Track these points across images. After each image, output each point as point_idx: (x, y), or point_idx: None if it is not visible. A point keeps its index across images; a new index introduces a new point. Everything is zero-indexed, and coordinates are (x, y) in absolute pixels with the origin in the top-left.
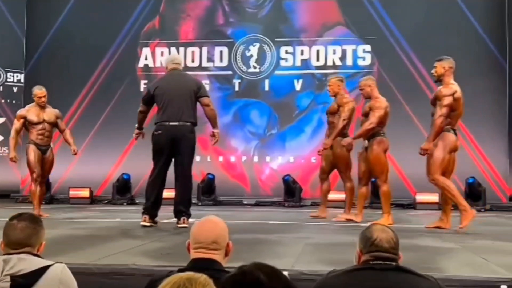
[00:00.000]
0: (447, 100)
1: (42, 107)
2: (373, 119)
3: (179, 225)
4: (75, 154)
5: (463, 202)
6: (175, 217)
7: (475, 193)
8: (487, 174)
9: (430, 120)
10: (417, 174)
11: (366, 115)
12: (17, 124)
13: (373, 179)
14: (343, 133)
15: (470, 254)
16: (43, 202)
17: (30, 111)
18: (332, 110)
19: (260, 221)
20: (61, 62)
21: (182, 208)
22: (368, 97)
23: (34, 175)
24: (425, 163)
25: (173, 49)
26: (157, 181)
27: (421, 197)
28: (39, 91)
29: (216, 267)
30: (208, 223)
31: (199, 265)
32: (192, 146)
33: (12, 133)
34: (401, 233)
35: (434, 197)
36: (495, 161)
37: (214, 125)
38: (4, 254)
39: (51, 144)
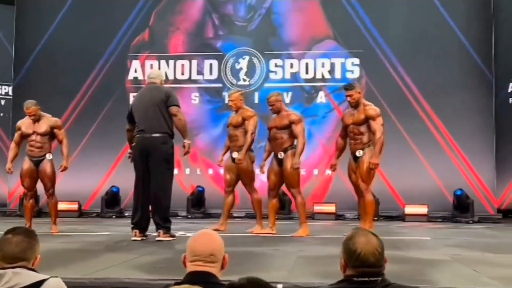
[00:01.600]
0: (381, 119)
1: (34, 119)
2: (301, 136)
3: (156, 239)
4: (63, 170)
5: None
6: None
7: (463, 205)
8: (474, 186)
9: (372, 138)
10: (406, 186)
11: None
12: (15, 135)
13: None
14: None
15: (461, 266)
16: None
17: (24, 123)
18: (235, 124)
19: (251, 234)
20: (50, 75)
21: (157, 221)
22: (278, 112)
23: (23, 188)
24: (357, 173)
25: (162, 62)
26: (138, 195)
27: (409, 209)
28: (26, 110)
29: (213, 280)
30: (205, 236)
31: (196, 278)
32: (165, 157)
33: (11, 144)
34: (391, 245)
35: (423, 209)
36: (483, 173)
37: (183, 135)
38: None
39: (48, 156)
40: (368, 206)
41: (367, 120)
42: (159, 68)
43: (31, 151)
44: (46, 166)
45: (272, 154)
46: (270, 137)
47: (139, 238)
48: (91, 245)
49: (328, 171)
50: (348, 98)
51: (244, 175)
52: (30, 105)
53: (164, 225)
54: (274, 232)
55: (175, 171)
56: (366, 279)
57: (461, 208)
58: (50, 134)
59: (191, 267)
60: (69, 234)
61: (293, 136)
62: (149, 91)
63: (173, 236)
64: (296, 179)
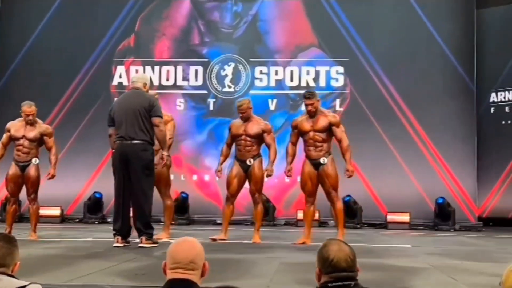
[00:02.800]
0: (342, 127)
1: (27, 123)
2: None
3: (138, 245)
4: (49, 178)
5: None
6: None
7: (444, 213)
8: (456, 194)
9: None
10: (388, 194)
11: None
12: (4, 136)
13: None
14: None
15: (439, 274)
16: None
17: (14, 125)
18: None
19: (234, 240)
20: (35, 79)
21: (139, 227)
22: (247, 119)
23: (8, 193)
24: (327, 181)
25: (148, 68)
26: (119, 201)
27: (392, 217)
28: (27, 108)
29: None
30: (186, 243)
31: (176, 285)
32: (145, 164)
33: None
34: (372, 253)
35: (405, 217)
36: (464, 181)
37: (162, 147)
38: None
39: (33, 160)
40: (340, 213)
41: (329, 127)
42: (144, 73)
43: (17, 156)
44: (31, 171)
45: (233, 160)
46: (238, 144)
47: (121, 245)
48: (72, 251)
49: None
50: (309, 107)
51: (161, 180)
52: (31, 104)
53: (146, 231)
54: (226, 238)
55: None
56: (340, 283)
57: (442, 216)
58: (39, 141)
59: (171, 275)
60: (50, 240)
61: (260, 144)
62: (131, 96)
63: (155, 242)
64: (262, 186)
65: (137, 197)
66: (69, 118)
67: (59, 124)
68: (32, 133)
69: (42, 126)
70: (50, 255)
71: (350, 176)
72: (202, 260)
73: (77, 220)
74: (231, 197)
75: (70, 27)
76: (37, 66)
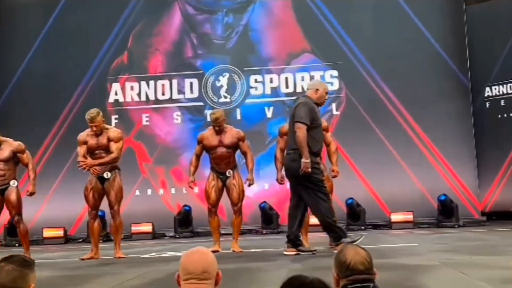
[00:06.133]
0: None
1: None
2: (251, 152)
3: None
4: (29, 195)
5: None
6: None
7: (447, 210)
8: (458, 191)
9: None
10: (390, 194)
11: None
12: None
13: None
14: None
15: (450, 270)
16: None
17: None
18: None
19: (244, 250)
20: (30, 101)
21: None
22: (222, 130)
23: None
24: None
25: (143, 83)
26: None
27: (396, 217)
28: None
29: None
30: (197, 254)
31: None
32: None
33: None
34: (379, 253)
35: (409, 216)
36: (465, 177)
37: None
38: None
39: (12, 183)
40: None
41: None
42: (139, 89)
43: None
44: (10, 194)
45: (210, 172)
46: (214, 156)
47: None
48: (79, 270)
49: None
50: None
51: (117, 194)
52: None
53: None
54: (220, 249)
55: (161, 191)
56: (359, 285)
57: (446, 213)
58: (14, 160)
59: (185, 286)
60: (56, 260)
61: (235, 153)
62: None
63: None
64: (244, 196)
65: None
66: (67, 138)
67: (58, 144)
68: (4, 153)
69: (13, 144)
70: (56, 276)
71: (335, 176)
72: (215, 269)
73: (81, 240)
74: (213, 207)
75: (62, 48)
76: (32, 88)
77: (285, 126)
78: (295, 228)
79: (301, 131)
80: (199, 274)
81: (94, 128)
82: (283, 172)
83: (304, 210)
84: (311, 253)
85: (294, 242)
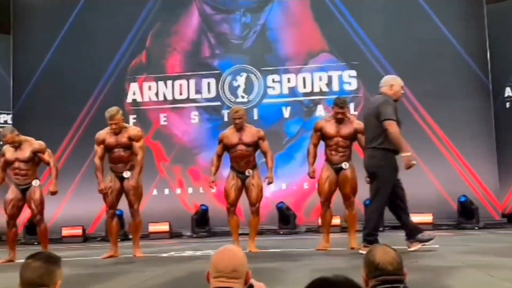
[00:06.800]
0: None
1: (14, 147)
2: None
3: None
4: (51, 194)
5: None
6: None
7: (468, 212)
8: (478, 192)
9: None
10: (409, 195)
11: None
12: (1, 161)
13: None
14: None
15: (475, 272)
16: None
17: (9, 149)
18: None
19: (261, 250)
20: (49, 101)
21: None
22: (241, 127)
23: (6, 215)
24: (348, 185)
25: (160, 83)
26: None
27: (415, 218)
28: (1, 137)
29: None
30: (227, 252)
31: None
32: None
33: None
34: (402, 255)
35: (428, 218)
36: (485, 178)
37: None
38: None
39: (34, 182)
40: (356, 218)
41: (355, 134)
42: (157, 89)
43: (16, 179)
44: (32, 193)
45: (230, 171)
46: (234, 155)
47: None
48: (100, 268)
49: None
50: (340, 115)
51: (137, 193)
52: (5, 132)
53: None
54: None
55: (178, 191)
56: (388, 285)
57: (466, 215)
58: (35, 159)
59: (214, 283)
60: (75, 258)
61: (255, 152)
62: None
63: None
64: (262, 196)
65: None
66: (86, 137)
67: (77, 144)
68: (25, 153)
69: (33, 144)
70: (79, 274)
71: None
72: (245, 268)
73: (99, 238)
74: (232, 207)
75: (81, 48)
76: (51, 88)
77: (320, 122)
78: (407, 219)
79: (393, 127)
80: (228, 273)
81: (114, 126)
82: (314, 166)
83: (403, 197)
84: (432, 240)
85: (412, 233)
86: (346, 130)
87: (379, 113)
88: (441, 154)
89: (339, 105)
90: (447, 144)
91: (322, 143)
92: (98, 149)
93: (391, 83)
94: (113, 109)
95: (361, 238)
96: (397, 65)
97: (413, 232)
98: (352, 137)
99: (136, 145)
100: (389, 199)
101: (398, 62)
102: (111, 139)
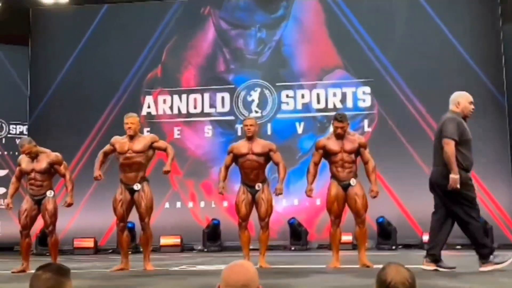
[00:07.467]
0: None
1: (31, 157)
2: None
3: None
4: (67, 206)
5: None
6: None
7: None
8: (493, 212)
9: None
10: (423, 213)
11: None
12: (16, 170)
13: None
14: None
15: None
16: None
17: (24, 159)
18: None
19: (271, 266)
20: (65, 112)
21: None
22: (252, 137)
23: (20, 225)
24: (358, 202)
25: (175, 97)
26: None
27: (428, 237)
28: (19, 147)
29: None
30: (238, 267)
31: None
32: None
33: (12, 179)
34: (416, 274)
35: None
36: (501, 199)
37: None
38: None
39: (48, 193)
40: (366, 235)
41: (358, 148)
42: (172, 102)
43: (31, 189)
44: (47, 204)
45: (241, 185)
46: (244, 166)
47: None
48: (112, 281)
49: (318, 202)
50: (339, 130)
51: (148, 206)
52: (23, 143)
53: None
54: None
55: (190, 204)
56: None
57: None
58: (50, 171)
59: None
60: (86, 270)
61: (266, 165)
62: None
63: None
64: (272, 211)
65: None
66: (101, 148)
67: (91, 156)
68: (41, 164)
69: (50, 156)
70: (94, 286)
71: (374, 197)
72: (256, 283)
73: (110, 250)
74: (243, 222)
75: (98, 62)
76: (67, 100)
77: (322, 140)
78: (438, 244)
79: (449, 146)
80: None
81: (129, 125)
82: (313, 185)
83: (451, 227)
84: (450, 269)
85: (434, 257)
86: (349, 145)
87: (440, 130)
88: None
89: (338, 119)
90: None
91: (324, 162)
92: (108, 147)
93: (458, 100)
94: (132, 113)
95: (480, 257)
96: (411, 82)
97: (436, 257)
98: (356, 151)
99: (160, 143)
100: (442, 216)
101: (412, 80)
102: (124, 145)
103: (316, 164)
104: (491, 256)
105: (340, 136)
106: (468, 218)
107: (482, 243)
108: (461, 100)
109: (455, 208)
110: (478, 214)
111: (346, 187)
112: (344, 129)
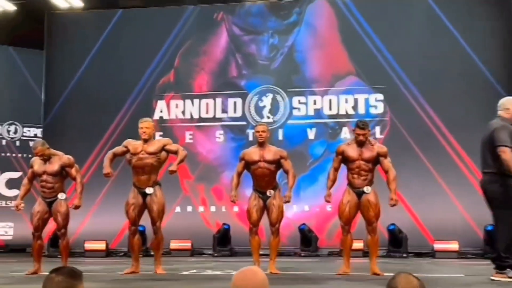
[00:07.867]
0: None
1: (43, 159)
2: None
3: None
4: (75, 208)
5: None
6: None
7: (493, 239)
8: None
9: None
10: (434, 222)
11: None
12: (29, 172)
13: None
14: None
15: None
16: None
17: (37, 161)
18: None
19: (281, 272)
20: (79, 115)
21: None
22: (263, 144)
23: (32, 227)
24: (371, 210)
25: (187, 101)
26: None
27: (440, 246)
28: (33, 149)
29: None
30: (248, 272)
31: None
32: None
33: (24, 180)
34: (427, 284)
35: (454, 246)
36: None
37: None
38: None
39: (60, 195)
40: (378, 243)
41: (377, 157)
42: (184, 107)
43: (43, 192)
44: (59, 206)
45: (252, 191)
46: (255, 173)
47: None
48: (123, 283)
49: (329, 208)
50: (361, 137)
51: (160, 210)
52: (37, 145)
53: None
54: None
55: (201, 208)
56: None
57: (492, 244)
58: (62, 173)
59: None
60: (98, 273)
61: (277, 171)
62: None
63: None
64: (283, 217)
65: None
66: None
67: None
68: (53, 167)
69: (62, 158)
70: None
71: (394, 205)
72: None
73: (121, 253)
74: (254, 227)
75: (111, 66)
76: (81, 103)
77: (342, 145)
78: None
79: (506, 154)
80: None
81: (144, 129)
82: (331, 190)
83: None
84: None
85: (500, 264)
86: (368, 153)
87: (493, 139)
88: (467, 181)
89: (361, 126)
90: (474, 170)
91: (344, 168)
92: (119, 148)
93: (507, 106)
94: (148, 118)
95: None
96: (424, 89)
97: (502, 265)
98: (375, 160)
99: (172, 146)
100: None
101: (425, 86)
102: (138, 147)
103: (336, 170)
104: (508, 269)
105: (361, 144)
106: (509, 225)
107: (506, 255)
108: (510, 106)
109: (498, 213)
110: None
111: (360, 194)
112: (366, 136)
